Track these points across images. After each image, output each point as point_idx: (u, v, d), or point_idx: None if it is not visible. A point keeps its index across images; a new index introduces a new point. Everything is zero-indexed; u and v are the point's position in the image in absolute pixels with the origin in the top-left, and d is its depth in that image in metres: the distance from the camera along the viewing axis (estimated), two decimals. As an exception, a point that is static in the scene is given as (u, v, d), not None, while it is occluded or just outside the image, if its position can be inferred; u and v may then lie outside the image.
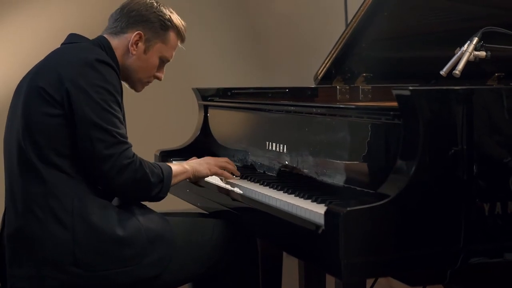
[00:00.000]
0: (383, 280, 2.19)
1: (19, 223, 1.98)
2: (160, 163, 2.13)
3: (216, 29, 4.68)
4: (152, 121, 4.35)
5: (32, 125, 1.98)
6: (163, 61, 2.25)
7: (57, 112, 1.96)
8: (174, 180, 2.13)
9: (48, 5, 4.36)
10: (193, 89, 2.92)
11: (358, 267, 1.60)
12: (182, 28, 2.25)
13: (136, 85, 2.26)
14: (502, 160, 1.73)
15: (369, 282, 2.49)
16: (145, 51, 2.19)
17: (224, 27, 4.77)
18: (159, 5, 2.21)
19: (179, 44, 2.27)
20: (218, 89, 2.85)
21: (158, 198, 2.08)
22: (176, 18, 2.23)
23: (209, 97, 2.85)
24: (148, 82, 2.28)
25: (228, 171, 2.31)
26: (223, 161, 2.34)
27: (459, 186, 1.68)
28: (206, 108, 2.86)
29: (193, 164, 2.26)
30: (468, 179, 1.68)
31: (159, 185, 2.06)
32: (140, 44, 2.17)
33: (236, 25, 4.81)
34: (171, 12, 2.23)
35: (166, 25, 2.20)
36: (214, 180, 2.35)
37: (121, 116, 2.02)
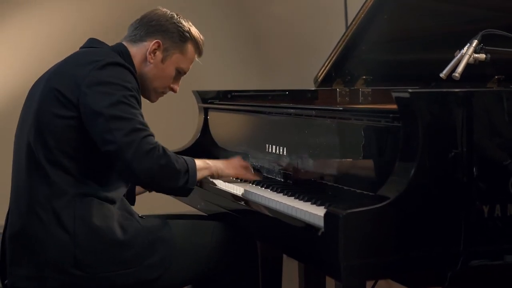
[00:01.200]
0: (383, 282, 2.19)
1: (21, 223, 1.99)
2: (182, 156, 2.09)
3: (216, 32, 4.68)
4: (152, 123, 4.32)
5: (43, 126, 1.99)
6: (179, 73, 2.25)
7: (70, 114, 1.97)
8: (199, 174, 2.09)
9: (50, 7, 4.36)
10: (193, 91, 2.92)
11: (357, 269, 1.60)
12: (200, 41, 2.26)
13: (151, 95, 2.26)
14: (502, 162, 1.73)
15: (369, 284, 2.49)
16: (162, 60, 2.19)
17: (224, 29, 4.78)
18: (179, 17, 2.22)
19: (196, 58, 2.27)
20: (218, 92, 2.85)
21: (186, 189, 2.03)
22: (195, 31, 2.24)
23: (209, 100, 2.85)
24: (163, 93, 2.28)
25: (250, 178, 2.29)
26: (245, 165, 2.31)
27: (458, 189, 1.68)
28: (206, 111, 2.86)
29: (216, 163, 2.24)
30: (468, 181, 1.68)
31: (185, 175, 2.02)
32: (158, 53, 2.18)
33: (236, 28, 4.81)
34: (190, 25, 2.24)
35: (185, 36, 2.21)
36: (216, 182, 2.34)
37: (140, 110, 2.01)
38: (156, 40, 2.17)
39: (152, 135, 1.99)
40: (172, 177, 2.00)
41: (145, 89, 2.23)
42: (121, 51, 2.15)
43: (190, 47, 2.23)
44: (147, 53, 2.17)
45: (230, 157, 2.37)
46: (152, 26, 2.18)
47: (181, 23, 2.21)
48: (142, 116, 2.00)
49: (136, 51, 2.18)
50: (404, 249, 1.64)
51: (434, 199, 1.66)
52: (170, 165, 1.97)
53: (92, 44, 2.17)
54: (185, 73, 2.27)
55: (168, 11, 2.23)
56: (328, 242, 1.62)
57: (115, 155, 1.94)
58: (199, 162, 2.13)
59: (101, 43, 2.17)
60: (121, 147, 1.92)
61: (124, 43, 2.19)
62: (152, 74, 2.20)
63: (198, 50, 2.26)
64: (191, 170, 2.04)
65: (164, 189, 2.07)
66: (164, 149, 1.99)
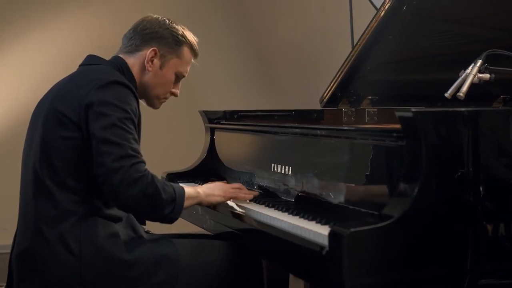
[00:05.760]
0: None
1: (27, 243, 2.00)
2: (173, 184, 2.09)
3: (223, 52, 4.71)
4: (159, 144, 4.36)
5: (49, 148, 2.00)
6: (178, 77, 2.27)
7: (74, 134, 1.98)
8: (186, 203, 2.08)
9: (58, 29, 4.40)
10: (200, 111, 2.94)
11: (362, 288, 1.60)
12: (195, 43, 2.28)
13: (154, 102, 2.28)
14: (507, 181, 1.73)
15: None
16: (161, 67, 2.21)
17: (230, 50, 4.80)
18: (171, 22, 2.25)
19: (192, 60, 2.30)
20: (225, 112, 2.87)
21: (170, 219, 2.03)
22: (189, 34, 2.27)
23: (215, 120, 2.87)
24: (165, 98, 2.30)
25: (242, 197, 2.29)
26: (236, 186, 2.32)
27: (463, 207, 1.68)
28: (212, 131, 2.87)
29: (206, 189, 2.22)
30: (473, 200, 1.68)
31: (171, 204, 2.01)
32: (155, 60, 2.20)
33: (242, 48, 4.83)
34: (183, 29, 2.26)
35: (180, 40, 2.23)
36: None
37: (135, 135, 2.01)
38: (152, 48, 2.19)
39: (143, 162, 1.98)
40: (156, 206, 1.99)
41: (147, 97, 2.25)
42: (119, 64, 2.16)
43: (186, 50, 2.25)
44: (145, 62, 2.19)
45: (232, 181, 2.37)
46: (147, 34, 2.20)
47: (174, 28, 2.23)
48: (136, 141, 2.00)
49: (134, 61, 2.19)
50: (409, 267, 1.64)
51: (438, 218, 1.66)
52: (156, 194, 1.97)
53: (91, 61, 2.19)
54: (184, 76, 2.29)
55: (160, 17, 2.25)
56: (332, 261, 1.62)
57: (102, 179, 1.94)
58: (189, 190, 2.12)
59: (100, 59, 2.18)
60: (109, 171, 1.92)
61: (121, 55, 2.21)
62: (153, 81, 2.21)
63: (194, 52, 2.28)
64: (178, 200, 2.03)
65: (147, 217, 2.09)
66: (153, 177, 1.98)
